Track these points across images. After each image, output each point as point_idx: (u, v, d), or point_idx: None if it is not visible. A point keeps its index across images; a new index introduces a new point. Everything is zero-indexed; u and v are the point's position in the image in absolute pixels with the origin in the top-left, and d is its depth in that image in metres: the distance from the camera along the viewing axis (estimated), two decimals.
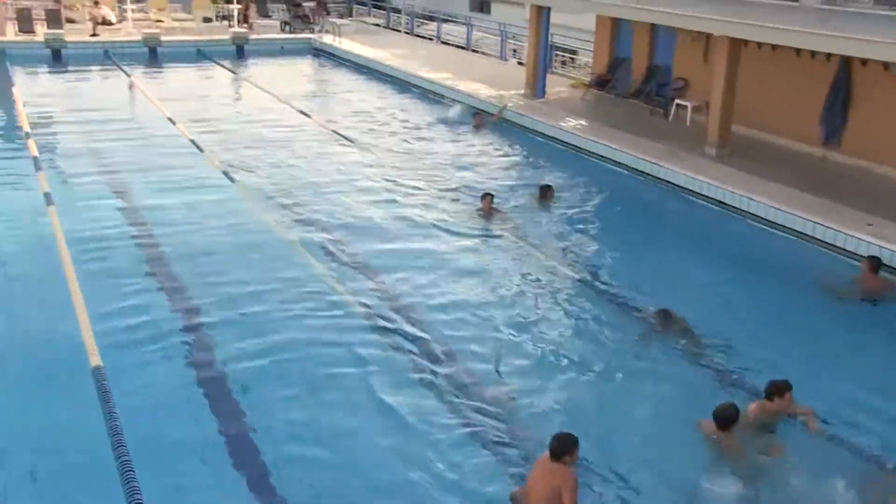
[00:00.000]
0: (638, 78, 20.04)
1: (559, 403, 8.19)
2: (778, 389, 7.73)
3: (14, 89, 21.12)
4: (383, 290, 10.52)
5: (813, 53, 15.12)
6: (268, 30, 31.29)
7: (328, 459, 7.23)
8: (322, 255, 11.52)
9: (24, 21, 27.08)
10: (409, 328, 9.49)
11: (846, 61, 14.91)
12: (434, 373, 8.60)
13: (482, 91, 21.39)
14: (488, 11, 46.08)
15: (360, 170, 15.63)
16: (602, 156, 16.48)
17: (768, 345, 9.40)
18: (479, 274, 11.07)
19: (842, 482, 6.88)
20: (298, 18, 31.79)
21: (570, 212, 13.72)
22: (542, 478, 6.52)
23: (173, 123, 18.22)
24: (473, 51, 29.29)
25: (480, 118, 19.21)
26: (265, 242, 11.98)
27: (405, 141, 17.88)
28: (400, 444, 7.47)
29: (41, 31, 26.79)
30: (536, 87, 20.76)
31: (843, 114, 15.31)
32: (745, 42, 15.23)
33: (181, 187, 14.09)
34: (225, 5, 32.00)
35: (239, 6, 31.01)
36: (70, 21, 28.30)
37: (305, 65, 28.09)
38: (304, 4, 32.95)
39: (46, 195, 13.05)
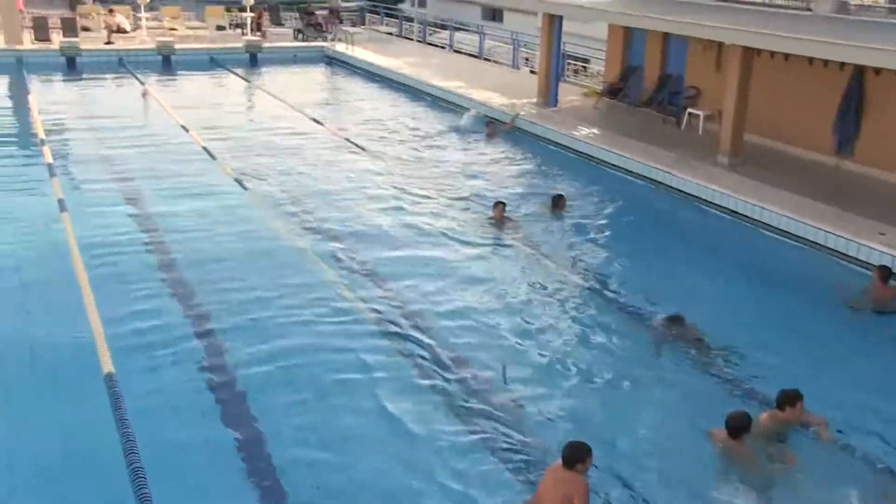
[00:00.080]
0: (650, 86, 20.03)
1: (569, 411, 8.17)
2: (789, 399, 7.69)
3: (29, 97, 21.27)
4: (393, 297, 10.53)
5: (826, 62, 15.08)
6: (281, 38, 31.44)
7: (335, 463, 7.25)
8: (332, 261, 11.54)
9: (40, 29, 27.29)
10: (418, 335, 9.50)
11: (859, 70, 14.86)
12: (443, 379, 8.60)
13: (494, 100, 21.41)
14: (500, 20, 46.20)
15: (371, 177, 15.67)
16: (614, 164, 16.47)
17: (779, 354, 9.37)
18: (490, 282, 11.07)
19: (854, 492, 6.85)
20: (311, 27, 31.91)
21: (582, 220, 13.70)
22: (554, 486, 6.51)
23: (186, 131, 18.31)
24: (486, 59, 29.34)
25: (493, 127, 19.23)
26: (276, 249, 12.02)
27: (417, 149, 17.91)
28: (407, 449, 7.48)
29: (57, 39, 27.01)
30: (548, 96, 20.77)
31: (856, 123, 15.26)
32: (758, 51, 15.21)
33: (193, 194, 14.15)
34: (238, 14, 32.19)
35: (252, 14, 31.19)
36: (85, 29, 28.51)
37: (318, 73, 28.19)
38: (317, 13, 33.09)
39: (60, 201, 13.13)
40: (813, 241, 12.44)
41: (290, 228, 12.81)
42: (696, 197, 14.50)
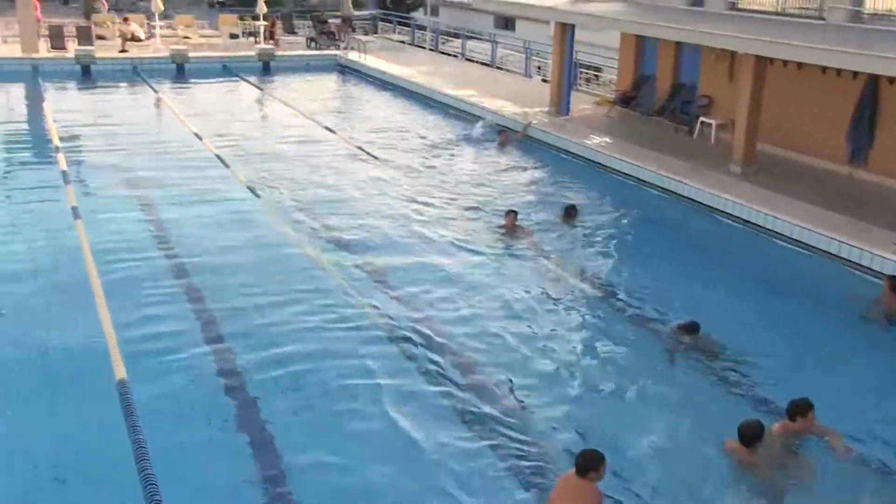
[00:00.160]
0: (662, 95, 20.00)
1: (579, 419, 8.16)
2: (800, 409, 7.66)
3: (45, 104, 21.46)
4: (403, 304, 10.54)
5: (839, 71, 15.03)
6: (293, 46, 31.55)
7: (343, 467, 7.29)
8: (343, 268, 11.56)
9: (56, 38, 27.51)
10: (428, 342, 9.51)
11: (873, 79, 14.81)
12: (453, 386, 8.61)
13: (506, 108, 21.43)
14: (513, 28, 46.25)
15: (383, 185, 15.69)
16: (626, 173, 16.46)
17: (791, 363, 9.34)
18: (501, 290, 11.06)
19: (869, 503, 6.80)
20: (324, 35, 32.01)
21: (594, 229, 13.69)
22: (567, 494, 6.50)
23: (199, 138, 18.40)
24: (498, 68, 29.37)
25: (505, 135, 19.24)
26: (287, 256, 12.07)
27: (429, 157, 17.93)
28: (414, 454, 7.51)
29: (72, 47, 27.22)
30: (561, 105, 20.77)
31: (870, 132, 15.19)
32: (771, 60, 15.17)
33: (206, 201, 14.23)
34: (251, 22, 32.34)
35: (265, 23, 31.33)
36: (100, 38, 28.69)
37: (331, 81, 28.29)
38: (330, 21, 33.20)
39: (74, 208, 13.22)
40: (826, 251, 12.39)
41: (301, 235, 12.84)
42: (709, 206, 14.46)
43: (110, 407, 7.76)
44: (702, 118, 18.40)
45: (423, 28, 35.75)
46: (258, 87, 26.06)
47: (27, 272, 11.01)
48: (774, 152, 16.65)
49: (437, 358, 9.18)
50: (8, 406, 7.99)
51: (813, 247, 12.59)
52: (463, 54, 31.82)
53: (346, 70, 29.20)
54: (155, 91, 24.00)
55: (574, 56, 21.83)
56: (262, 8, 30.85)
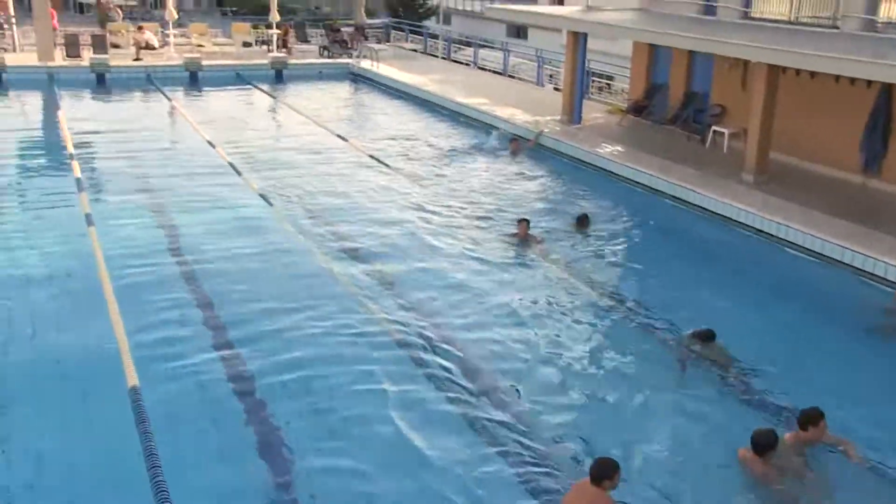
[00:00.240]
0: (675, 104, 19.97)
1: (590, 428, 8.14)
2: (811, 418, 7.61)
3: (60, 112, 21.63)
4: (414, 311, 10.55)
5: (852, 80, 14.96)
6: (306, 55, 31.72)
7: (352, 471, 7.33)
8: (354, 275, 11.58)
9: (72, 46, 27.73)
10: (438, 349, 9.51)
11: (887, 88, 14.76)
12: (462, 392, 8.61)
13: (518, 116, 21.45)
14: (525, 37, 46.31)
15: (395, 193, 15.72)
16: (638, 182, 16.43)
17: (803, 373, 9.31)
18: (513, 299, 11.04)
19: None
20: (337, 43, 32.15)
21: (606, 238, 13.67)
22: (581, 502, 6.48)
23: (212, 146, 18.48)
24: (510, 76, 29.42)
25: (517, 144, 19.26)
26: (299, 263, 12.10)
27: (441, 165, 17.96)
28: (423, 460, 7.52)
29: (87, 55, 27.42)
30: (573, 113, 20.77)
31: (884, 141, 15.13)
32: (784, 68, 15.13)
33: (218, 209, 14.29)
34: (264, 30, 32.51)
35: (278, 31, 31.50)
36: (115, 46, 28.91)
37: (343, 89, 28.38)
38: (343, 30, 33.35)
39: (87, 215, 13.29)
40: (839, 261, 12.33)
41: (313, 243, 12.87)
42: (721, 215, 14.42)
43: (122, 412, 7.80)
44: (714, 127, 18.36)
45: (435, 36, 35.84)
46: (271, 95, 26.17)
47: (41, 278, 11.07)
48: (787, 161, 16.60)
49: (447, 364, 9.17)
50: (20, 411, 8.05)
51: (826, 256, 12.54)
52: (475, 63, 31.89)
53: (359, 78, 29.30)
54: (168, 99, 24.16)
55: (586, 65, 21.83)
56: (275, 16, 31.02)
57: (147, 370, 8.57)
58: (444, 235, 13.39)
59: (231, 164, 17.01)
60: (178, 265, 11.83)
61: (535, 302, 10.98)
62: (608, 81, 25.67)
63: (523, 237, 13.02)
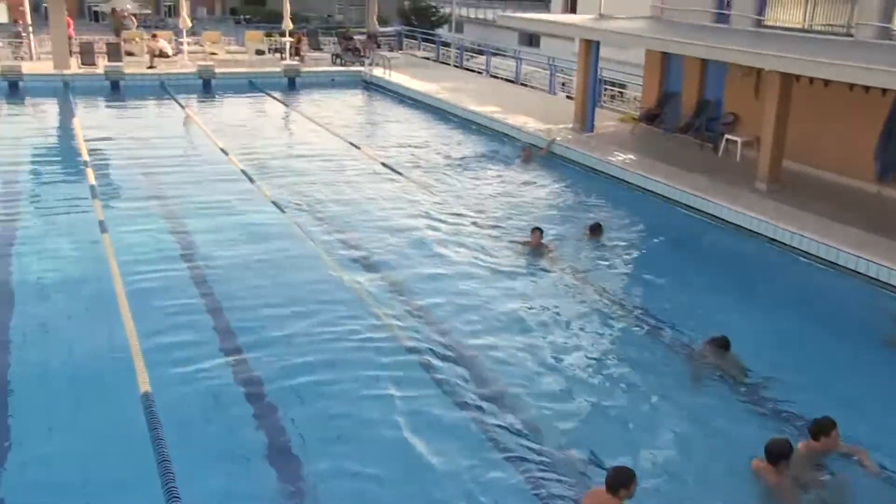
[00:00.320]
0: (687, 112, 19.95)
1: (602, 437, 8.10)
2: (823, 428, 7.56)
3: (74, 119, 21.77)
4: (425, 318, 10.56)
5: (867, 88, 14.92)
6: (319, 62, 31.81)
7: (364, 474, 7.37)
8: (365, 283, 11.58)
9: (87, 54, 27.93)
10: (450, 358, 9.51)
11: None
12: (473, 399, 8.60)
13: (530, 125, 21.45)
14: (537, 45, 46.40)
15: (407, 201, 15.73)
16: (651, 190, 16.40)
17: (817, 384, 9.24)
18: (525, 308, 11.02)
19: None
20: (349, 51, 32.26)
21: (618, 247, 13.64)
22: None
23: (225, 154, 18.56)
24: (522, 84, 29.43)
25: (529, 152, 19.26)
26: (311, 270, 12.10)
27: (453, 173, 17.97)
28: (433, 465, 7.52)
29: (102, 63, 27.62)
30: (585, 121, 20.76)
31: None
32: (797, 77, 15.09)
33: (231, 216, 14.33)
34: (277, 38, 32.66)
35: (291, 39, 31.63)
36: (129, 54, 29.09)
37: (356, 97, 28.46)
38: (355, 38, 33.46)
39: (101, 222, 13.36)
40: (853, 270, 12.27)
41: (325, 249, 12.88)
42: (734, 224, 14.37)
43: (134, 417, 7.84)
44: (727, 135, 18.32)
45: (447, 44, 35.91)
46: (283, 103, 26.27)
47: (54, 284, 11.13)
48: (801, 170, 16.54)
49: (457, 371, 9.18)
50: (34, 413, 8.11)
51: (840, 265, 12.48)
52: (487, 71, 31.93)
53: (371, 86, 29.38)
54: (182, 106, 24.28)
55: (599, 73, 21.84)
56: (288, 24, 31.18)
57: (159, 374, 8.62)
58: (456, 243, 13.39)
59: (244, 172, 17.08)
60: (190, 271, 11.87)
61: (546, 310, 10.96)
62: (620, 90, 25.64)
63: (536, 246, 13.00)
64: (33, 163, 18.01)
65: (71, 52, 27.97)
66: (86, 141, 19.13)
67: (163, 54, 29.05)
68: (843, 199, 15.05)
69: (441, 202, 15.66)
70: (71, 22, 29.35)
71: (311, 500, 7.09)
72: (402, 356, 9.58)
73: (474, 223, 14.45)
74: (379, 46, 33.84)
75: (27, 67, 26.42)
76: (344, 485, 7.23)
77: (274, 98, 26.58)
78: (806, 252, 13.03)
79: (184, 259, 12.36)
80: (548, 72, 28.73)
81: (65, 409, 8.22)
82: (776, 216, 13.94)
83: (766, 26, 18.17)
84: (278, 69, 29.02)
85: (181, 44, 30.52)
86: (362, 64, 31.45)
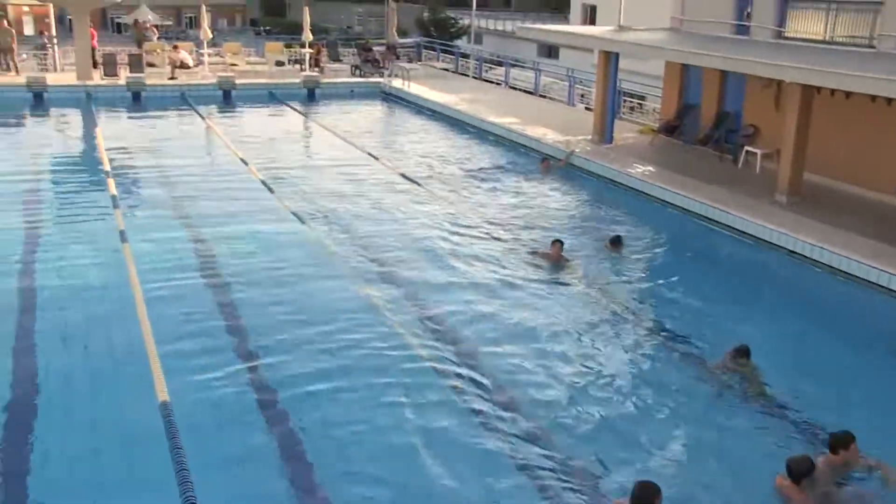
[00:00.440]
0: (707, 124, 19.88)
1: (620, 451, 8.05)
2: (841, 441, 7.50)
3: (97, 130, 21.99)
4: (444, 330, 10.56)
5: (889, 100, 14.81)
6: (338, 74, 31.98)
7: (377, 478, 7.43)
8: (383, 291, 11.61)
9: (109, 66, 28.23)
10: (467, 367, 9.51)
11: None
12: (495, 414, 8.57)
13: (549, 136, 21.45)
14: (556, 56, 46.43)
15: (426, 212, 15.75)
16: (670, 202, 16.34)
17: (838, 396, 9.18)
18: (545, 320, 10.97)
19: None
20: (368, 63, 32.41)
21: (638, 259, 13.60)
22: None
23: (245, 164, 18.67)
24: (541, 96, 29.45)
25: (547, 164, 19.26)
26: (330, 279, 12.11)
27: (472, 185, 17.98)
28: (446, 471, 7.54)
29: (124, 74, 27.91)
30: (604, 133, 20.74)
31: None
32: (818, 88, 15.01)
33: (250, 226, 14.39)
34: (297, 50, 32.87)
35: (311, 51, 31.83)
36: (150, 65, 29.39)
37: (375, 108, 28.57)
38: (375, 49, 33.62)
39: (121, 232, 13.47)
40: (875, 283, 12.16)
41: (344, 260, 12.91)
42: (754, 236, 14.29)
43: (152, 422, 7.92)
44: (747, 147, 18.25)
45: (466, 56, 36.02)
46: (303, 114, 26.41)
47: (75, 295, 11.20)
48: (821, 182, 16.44)
49: (473, 381, 9.16)
50: (55, 416, 8.21)
51: (860, 278, 12.38)
52: (506, 82, 31.98)
53: (390, 97, 29.48)
54: (202, 117, 24.46)
55: (618, 84, 21.82)
56: (307, 36, 31.37)
57: (175, 380, 8.72)
58: (475, 255, 13.38)
59: (263, 182, 17.17)
60: (209, 282, 11.92)
61: (566, 323, 10.92)
62: (640, 101, 25.60)
63: (556, 258, 12.95)
64: (56, 172, 18.26)
65: (95, 64, 28.28)
66: (107, 151, 19.31)
67: (184, 65, 29.30)
68: (864, 212, 14.94)
69: (460, 213, 15.67)
70: (95, 33, 29.69)
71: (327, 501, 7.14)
72: (415, 362, 9.61)
73: (492, 234, 14.44)
74: (398, 58, 33.97)
75: (51, 79, 26.73)
76: (356, 489, 7.29)
77: (293, 109, 26.73)
78: (827, 264, 12.93)
79: (203, 269, 12.42)
80: (567, 83, 28.74)
81: (84, 411, 8.34)
82: (796, 228, 13.85)
83: (787, 38, 18.10)
84: (298, 80, 29.19)
85: (202, 55, 30.79)
86: (381, 75, 31.58)
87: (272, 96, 28.12)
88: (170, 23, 71.31)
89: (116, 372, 9.19)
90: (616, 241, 13.80)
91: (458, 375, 9.35)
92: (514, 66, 33.51)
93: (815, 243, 13.24)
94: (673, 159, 19.00)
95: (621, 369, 9.79)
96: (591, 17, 46.04)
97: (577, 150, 19.70)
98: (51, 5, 31.81)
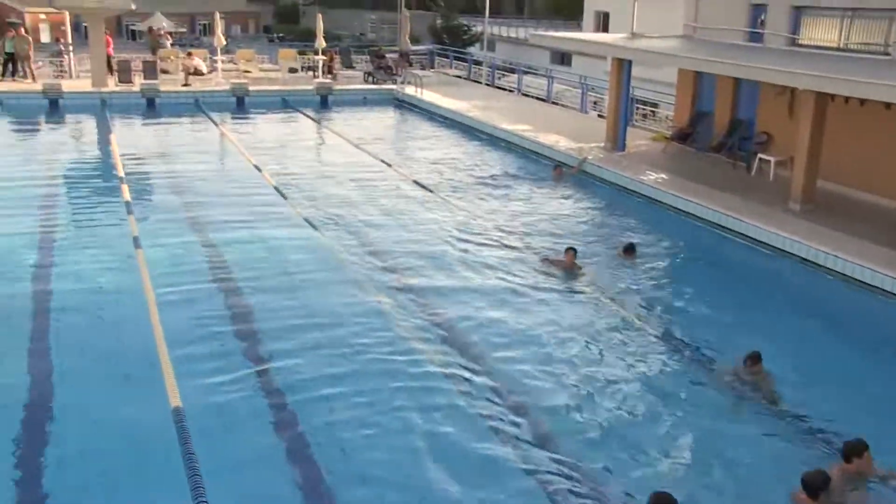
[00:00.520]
0: (720, 132, 19.83)
1: (638, 460, 8.02)
2: (855, 450, 7.44)
3: (111, 136, 22.13)
4: (456, 336, 10.55)
5: None
6: (351, 80, 32.10)
7: (388, 481, 7.47)
8: (395, 298, 11.61)
9: (124, 72, 28.43)
10: (479, 374, 9.50)
11: None
12: (507, 422, 8.56)
13: (562, 143, 21.45)
14: (569, 63, 46.41)
15: (438, 219, 15.75)
16: (683, 210, 16.29)
17: (851, 405, 9.12)
18: (558, 327, 10.95)
19: None
20: (381, 70, 32.49)
21: (650, 266, 13.55)
22: None
23: (258, 170, 18.74)
24: (554, 103, 29.45)
25: (560, 171, 19.24)
26: (343, 285, 12.13)
27: (484, 191, 17.98)
28: (458, 475, 7.57)
29: (138, 81, 28.08)
30: (617, 140, 20.72)
31: None
32: (832, 96, 14.95)
33: (263, 231, 14.44)
34: (310, 56, 32.99)
35: (324, 57, 31.95)
36: (164, 72, 29.56)
37: (387, 115, 28.63)
38: (387, 56, 33.71)
39: (135, 239, 13.53)
40: (889, 291, 12.09)
41: (356, 266, 12.92)
42: (767, 244, 14.24)
43: (164, 429, 7.96)
44: (760, 155, 18.19)
45: (479, 63, 36.06)
46: (316, 121, 26.50)
47: (89, 301, 11.25)
48: (835, 189, 16.36)
49: (485, 387, 9.15)
50: (70, 418, 8.30)
51: (875, 287, 12.30)
52: (519, 89, 31.99)
53: (403, 104, 29.54)
54: (216, 124, 24.57)
55: (631, 91, 21.79)
56: (321, 43, 31.52)
57: (188, 383, 8.80)
58: (486, 261, 13.37)
59: (276, 188, 17.22)
60: (222, 289, 11.96)
61: (580, 332, 10.88)
62: (652, 108, 25.58)
63: (569, 266, 12.92)
64: (71, 178, 18.39)
65: (111, 70, 28.49)
66: (122, 157, 19.44)
67: (197, 72, 29.46)
68: (879, 220, 14.85)
69: (472, 220, 15.67)
70: (111, 41, 29.89)
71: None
72: (426, 367, 9.63)
73: (504, 241, 14.43)
74: (411, 65, 34.04)
75: (67, 85, 26.93)
76: (369, 489, 7.35)
77: (306, 116, 26.82)
78: (840, 273, 12.87)
79: (216, 275, 12.46)
80: (579, 90, 28.73)
81: (97, 413, 8.38)
82: (810, 236, 13.79)
83: (801, 45, 18.05)
84: (311, 87, 29.30)
85: (215, 62, 30.96)
86: (394, 82, 31.65)
87: (285, 103, 28.22)
88: (184, 30, 71.78)
89: (129, 374, 9.25)
90: (630, 249, 13.77)
91: (468, 381, 9.35)
92: (526, 73, 33.53)
93: (828, 251, 13.17)
94: (686, 167, 18.96)
95: (634, 377, 9.74)
96: (603, 24, 46.04)
97: (589, 158, 19.68)
98: (67, 13, 32.06)
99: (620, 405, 9.06)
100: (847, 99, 15.49)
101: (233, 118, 26.20)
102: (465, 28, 60.62)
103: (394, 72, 32.47)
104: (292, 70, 31.90)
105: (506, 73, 34.87)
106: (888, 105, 14.97)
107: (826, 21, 17.72)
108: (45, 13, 59.58)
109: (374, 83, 31.88)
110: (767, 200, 15.89)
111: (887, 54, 15.87)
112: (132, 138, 22.83)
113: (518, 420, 8.62)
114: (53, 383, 9.08)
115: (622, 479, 7.70)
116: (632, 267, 13.43)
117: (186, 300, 11.31)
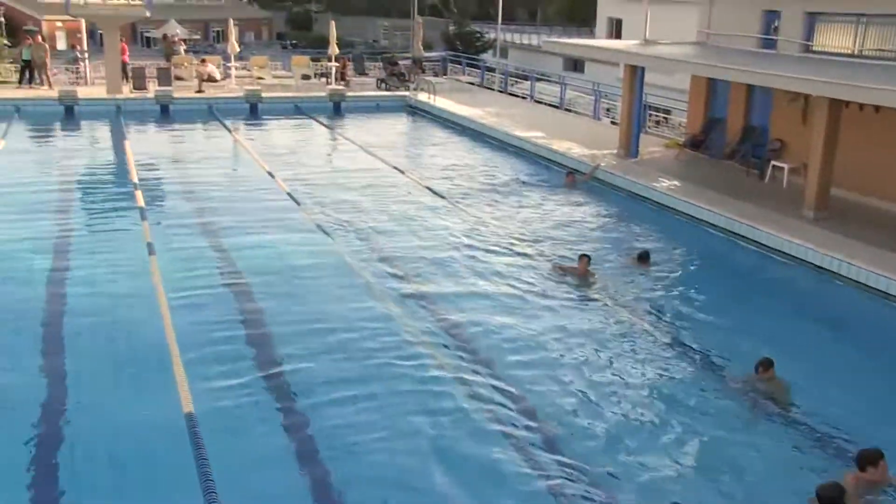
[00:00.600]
0: (733, 139, 19.78)
1: (651, 470, 7.98)
2: (870, 458, 7.38)
3: (126, 142, 22.26)
4: (466, 343, 10.55)
5: None
6: (364, 87, 32.19)
7: (398, 484, 7.52)
8: (407, 304, 11.63)
9: (138, 79, 28.63)
10: (491, 381, 9.48)
11: None
12: (516, 427, 8.55)
13: (575, 150, 21.43)
14: (582, 70, 46.41)
15: (451, 225, 15.75)
16: (696, 217, 16.24)
17: (866, 413, 9.05)
18: (571, 334, 10.94)
19: None
20: (394, 76, 32.56)
21: (663, 274, 13.50)
22: None
23: (272, 177, 18.81)
24: (567, 110, 29.44)
25: (572, 177, 19.22)
26: (356, 292, 12.17)
27: (497, 198, 17.98)
28: (468, 481, 7.58)
29: (152, 88, 28.27)
30: (630, 147, 20.69)
31: None
32: (846, 103, 14.89)
33: (276, 237, 14.49)
34: (323, 63, 33.10)
35: (337, 64, 32.05)
36: (178, 78, 29.73)
37: (400, 122, 28.69)
38: (400, 63, 33.78)
39: (149, 245, 13.60)
40: None
41: (368, 272, 12.94)
42: (781, 251, 14.18)
43: (177, 431, 8.02)
44: (773, 162, 18.12)
45: (492, 70, 36.08)
46: (329, 127, 26.58)
47: (102, 307, 11.30)
48: (849, 197, 16.28)
49: (497, 392, 9.14)
50: (83, 420, 8.36)
51: (890, 294, 12.23)
52: (532, 96, 32.02)
53: (416, 111, 29.59)
54: (229, 130, 24.69)
55: (643, 98, 21.77)
56: (333, 50, 31.62)
57: (200, 386, 8.89)
58: (498, 268, 13.36)
59: (289, 194, 17.28)
60: (235, 294, 12.01)
61: (592, 338, 10.87)
62: (665, 115, 25.55)
63: (583, 273, 12.89)
64: (86, 184, 18.53)
65: (126, 77, 28.69)
66: (136, 163, 19.56)
67: (211, 79, 29.62)
68: (893, 227, 14.77)
69: (485, 227, 15.67)
70: (126, 48, 30.11)
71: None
72: (437, 371, 9.66)
73: (517, 248, 14.43)
74: (423, 71, 34.11)
75: (82, 92, 27.13)
76: (373, 494, 7.37)
77: (319, 122, 26.91)
78: (855, 280, 12.80)
79: (229, 281, 12.51)
80: (592, 97, 28.72)
81: (111, 415, 8.46)
82: (824, 244, 13.72)
83: (814, 52, 17.99)
84: (324, 94, 29.40)
85: (229, 68, 31.12)
86: (407, 89, 31.72)
87: (298, 109, 28.33)
88: (198, 37, 72.10)
89: (142, 378, 9.33)
90: (643, 257, 13.72)
91: (478, 386, 9.34)
92: (539, 79, 33.54)
93: (842, 259, 13.11)
94: (699, 174, 18.92)
95: (645, 384, 9.71)
96: (616, 30, 46.01)
97: (602, 164, 19.66)
98: (83, 20, 32.31)
99: (632, 412, 9.04)
100: (861, 106, 15.42)
101: (246, 125, 26.32)
102: (478, 35, 60.73)
103: (406, 78, 32.54)
104: (305, 77, 32.01)
105: (519, 80, 34.89)
106: None
107: (840, 27, 17.66)
108: (62, 20, 60.08)
109: (386, 90, 31.95)
110: (781, 207, 15.83)
111: None
112: (146, 144, 22.98)
113: (528, 424, 8.61)
114: (67, 386, 9.17)
115: (632, 486, 7.67)
116: (645, 274, 13.39)
117: (199, 305, 11.37)
